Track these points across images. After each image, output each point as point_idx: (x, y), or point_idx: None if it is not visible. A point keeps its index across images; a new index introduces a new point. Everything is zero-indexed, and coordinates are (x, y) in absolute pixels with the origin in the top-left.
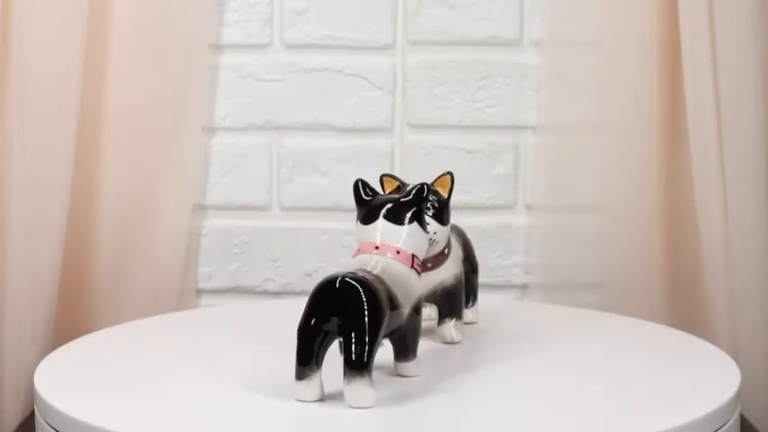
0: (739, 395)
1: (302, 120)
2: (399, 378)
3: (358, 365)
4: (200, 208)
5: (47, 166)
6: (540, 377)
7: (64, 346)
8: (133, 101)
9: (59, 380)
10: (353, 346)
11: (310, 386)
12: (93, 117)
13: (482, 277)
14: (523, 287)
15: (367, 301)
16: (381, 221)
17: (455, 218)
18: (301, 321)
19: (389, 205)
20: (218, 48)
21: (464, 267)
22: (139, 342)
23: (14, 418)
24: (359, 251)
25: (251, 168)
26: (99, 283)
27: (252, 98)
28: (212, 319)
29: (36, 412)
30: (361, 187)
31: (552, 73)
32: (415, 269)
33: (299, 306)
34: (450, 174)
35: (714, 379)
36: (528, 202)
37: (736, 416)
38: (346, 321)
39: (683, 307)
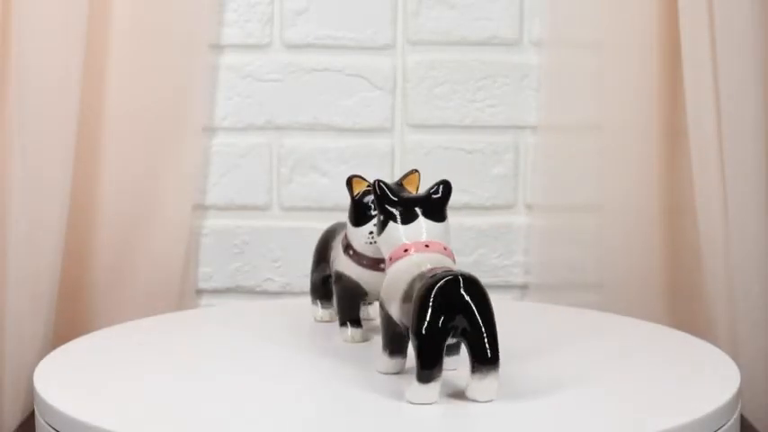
0: (739, 395)
1: (302, 120)
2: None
3: (492, 361)
4: (200, 208)
5: (47, 166)
6: (540, 377)
7: (64, 346)
8: (133, 101)
9: (59, 380)
10: (486, 341)
11: (434, 389)
12: (93, 117)
13: (482, 277)
14: (523, 287)
15: (487, 297)
16: (425, 221)
17: (455, 218)
18: (426, 324)
19: (427, 204)
20: (218, 48)
21: None
22: (139, 343)
23: (14, 418)
24: (405, 251)
25: (251, 168)
26: (99, 283)
27: (252, 98)
28: (212, 320)
29: (36, 412)
30: (386, 188)
31: (552, 73)
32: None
33: (299, 306)
34: (417, 171)
35: (714, 379)
36: (528, 202)
37: (736, 416)
38: (475, 319)
39: (683, 307)
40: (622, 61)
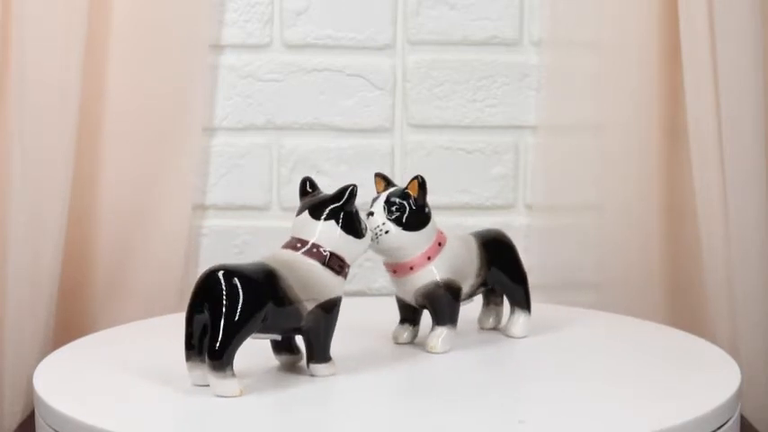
0: (739, 395)
1: (302, 120)
2: (402, 377)
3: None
4: (200, 208)
5: (47, 167)
6: (540, 377)
7: (64, 347)
8: (133, 101)
9: (59, 380)
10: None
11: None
12: (93, 117)
13: None
14: None
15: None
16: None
17: (455, 218)
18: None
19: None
20: (218, 48)
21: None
22: (139, 343)
23: (14, 418)
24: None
25: (251, 168)
26: (99, 283)
27: (252, 98)
28: None
29: (36, 412)
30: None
31: (552, 73)
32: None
33: None
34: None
35: (714, 379)
36: (528, 202)
37: (736, 415)
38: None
39: (683, 307)
40: (622, 61)
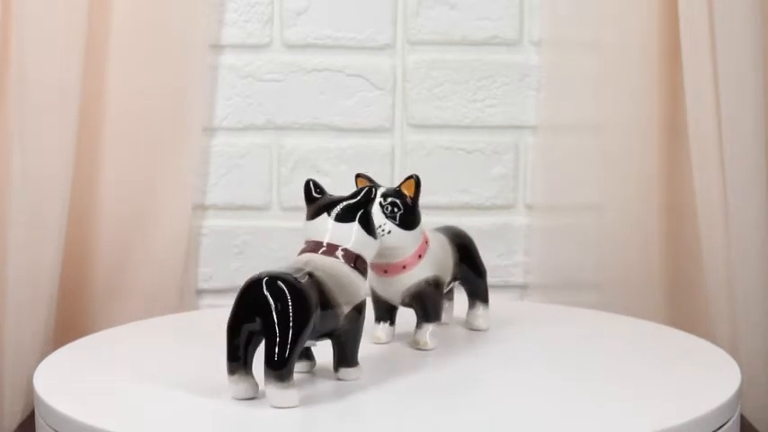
0: (739, 395)
1: (302, 120)
2: (399, 378)
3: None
4: (201, 208)
5: (47, 167)
6: (540, 377)
7: (64, 347)
8: (133, 101)
9: (59, 380)
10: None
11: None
12: (93, 117)
13: None
14: (523, 287)
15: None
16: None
17: (455, 218)
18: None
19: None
20: (218, 48)
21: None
22: (139, 343)
23: (14, 418)
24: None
25: (251, 168)
26: (99, 283)
27: (252, 98)
28: (212, 321)
29: (36, 412)
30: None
31: (552, 73)
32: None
33: None
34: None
35: (714, 379)
36: (528, 202)
37: (736, 416)
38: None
39: (683, 307)
40: (622, 61)
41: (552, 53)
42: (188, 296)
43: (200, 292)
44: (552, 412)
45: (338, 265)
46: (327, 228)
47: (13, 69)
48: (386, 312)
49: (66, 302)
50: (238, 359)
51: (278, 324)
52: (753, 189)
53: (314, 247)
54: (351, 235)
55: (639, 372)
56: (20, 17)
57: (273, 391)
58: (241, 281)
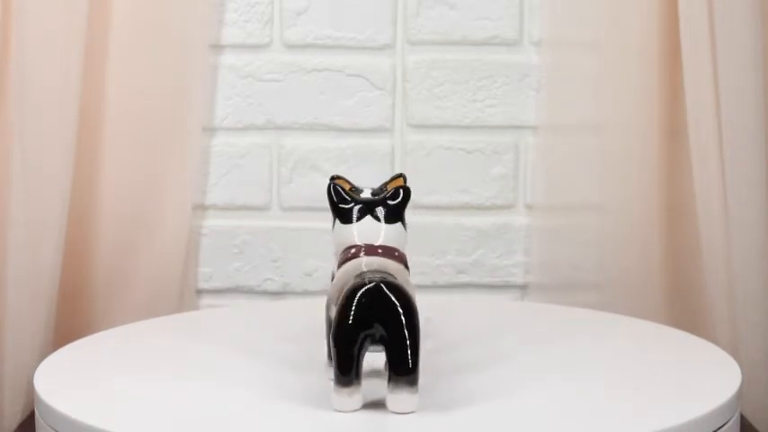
0: (739, 395)
1: (302, 120)
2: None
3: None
4: (201, 208)
5: (47, 167)
6: (540, 377)
7: (64, 347)
8: (133, 101)
9: (59, 380)
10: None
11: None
12: (93, 117)
13: (482, 277)
14: (523, 287)
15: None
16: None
17: (455, 218)
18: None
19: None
20: (218, 48)
21: None
22: (140, 343)
23: (14, 418)
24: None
25: (251, 168)
26: (99, 283)
27: (252, 98)
28: (212, 321)
29: (36, 412)
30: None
31: (552, 73)
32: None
33: (299, 306)
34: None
35: (714, 379)
36: (528, 202)
37: (736, 416)
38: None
39: (683, 307)
40: (622, 61)
41: (552, 53)
42: (188, 296)
43: (200, 292)
44: (552, 412)
45: (400, 268)
46: (379, 230)
47: (13, 69)
48: None
49: (66, 302)
50: (352, 370)
51: (407, 328)
52: (753, 189)
53: (369, 249)
54: (399, 236)
55: (639, 372)
56: (20, 17)
57: (404, 397)
58: (241, 281)
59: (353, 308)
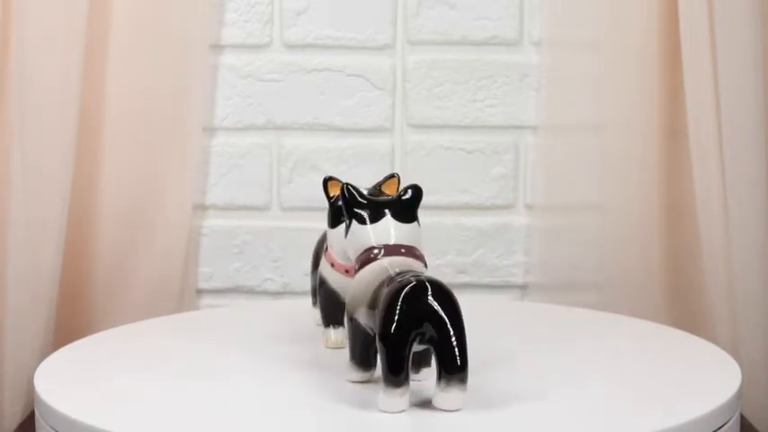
0: (739, 395)
1: (302, 120)
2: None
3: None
4: (201, 208)
5: (47, 166)
6: (540, 377)
7: (64, 347)
8: (133, 101)
9: (59, 380)
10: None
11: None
12: (93, 117)
13: (482, 277)
14: (523, 287)
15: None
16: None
17: (455, 218)
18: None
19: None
20: (218, 48)
21: None
22: (140, 343)
23: (14, 418)
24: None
25: (251, 168)
26: (99, 283)
27: (252, 98)
28: (212, 321)
29: (36, 412)
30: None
31: (552, 73)
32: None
33: (298, 306)
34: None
35: (714, 379)
36: (528, 202)
37: (736, 416)
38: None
39: (683, 307)
40: (622, 61)
41: (552, 53)
42: (188, 296)
43: (200, 292)
44: (552, 412)
45: (423, 268)
46: (399, 230)
47: (13, 69)
48: (340, 315)
49: (66, 302)
50: (403, 371)
51: (455, 326)
52: (753, 189)
53: (392, 250)
54: (416, 235)
55: (639, 372)
56: (20, 17)
57: (454, 395)
58: (241, 281)
59: (404, 308)
